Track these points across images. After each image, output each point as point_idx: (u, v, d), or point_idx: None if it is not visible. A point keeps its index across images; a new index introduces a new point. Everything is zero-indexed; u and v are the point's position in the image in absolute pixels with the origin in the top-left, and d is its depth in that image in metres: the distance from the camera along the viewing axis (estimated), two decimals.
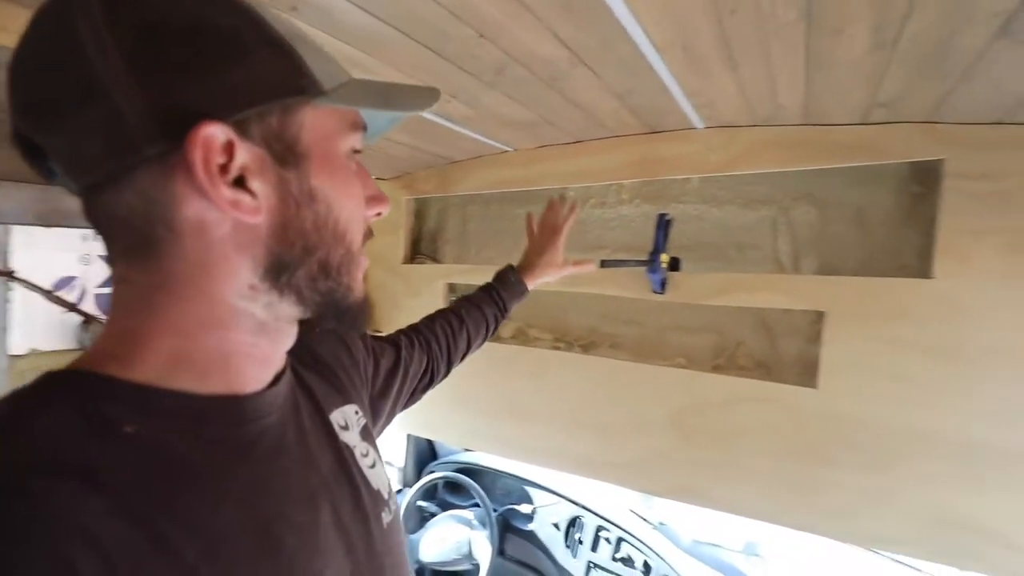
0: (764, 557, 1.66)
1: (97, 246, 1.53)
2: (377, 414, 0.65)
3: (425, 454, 2.35)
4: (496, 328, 0.91)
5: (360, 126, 0.41)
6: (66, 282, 1.51)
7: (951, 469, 0.88)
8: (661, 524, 1.72)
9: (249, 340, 0.38)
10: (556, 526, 1.83)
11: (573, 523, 1.80)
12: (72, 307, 1.50)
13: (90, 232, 0.45)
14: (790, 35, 0.69)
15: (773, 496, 1.04)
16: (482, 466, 2.07)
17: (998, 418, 0.84)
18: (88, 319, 1.51)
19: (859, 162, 0.99)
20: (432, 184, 1.55)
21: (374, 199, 0.43)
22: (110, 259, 0.36)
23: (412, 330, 0.81)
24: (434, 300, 1.54)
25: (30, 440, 0.29)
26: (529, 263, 0.98)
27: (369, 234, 0.44)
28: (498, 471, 2.03)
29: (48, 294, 1.45)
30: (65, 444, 0.30)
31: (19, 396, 0.32)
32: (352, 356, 0.61)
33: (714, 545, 1.68)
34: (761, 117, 1.03)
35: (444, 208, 1.68)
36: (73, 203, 0.37)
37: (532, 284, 0.97)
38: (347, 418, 0.52)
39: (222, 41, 0.32)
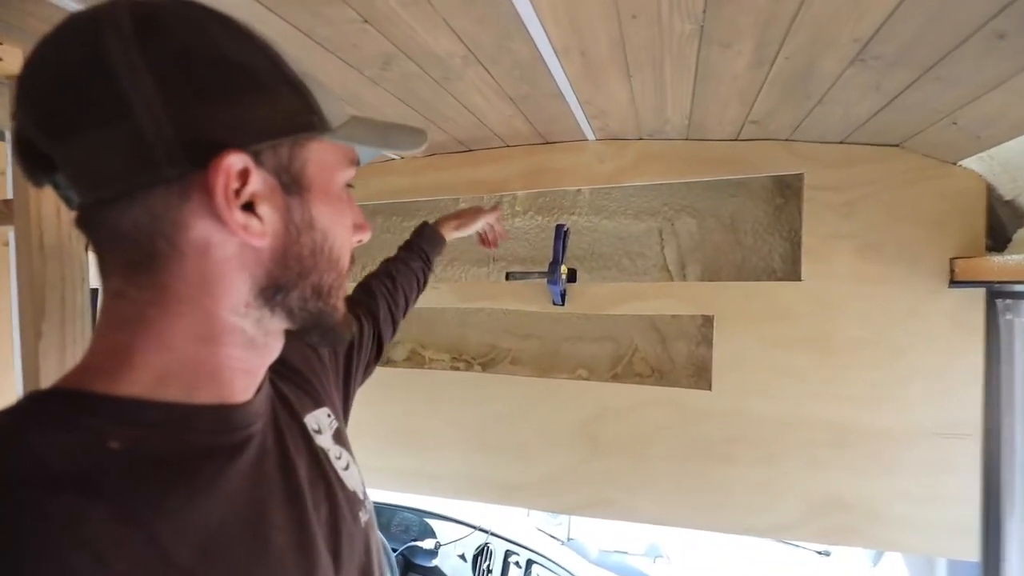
0: (667, 557, 1.73)
1: None
2: (346, 396, 0.68)
3: None
4: (425, 282, 0.94)
5: (356, 161, 0.44)
6: None
7: (828, 454, 0.96)
8: (570, 539, 1.71)
9: (239, 355, 0.39)
10: (463, 557, 1.72)
11: (481, 552, 1.71)
12: None
13: None
14: (684, 46, 0.70)
15: (678, 500, 1.06)
16: (375, 503, 1.89)
17: (863, 401, 0.95)
18: None
19: (732, 175, 1.07)
20: None
21: (359, 227, 0.47)
22: (104, 273, 0.36)
23: (352, 303, 0.80)
24: None
25: (19, 457, 0.30)
26: (445, 219, 1.00)
27: (352, 259, 0.46)
28: (395, 506, 1.87)
29: None
30: (55, 459, 0.30)
31: (2, 416, 0.32)
32: (320, 358, 0.62)
33: (621, 552, 1.72)
34: (647, 131, 1.07)
35: None
36: None
37: (449, 236, 1.00)
38: (319, 422, 0.53)
39: (247, 76, 0.34)
